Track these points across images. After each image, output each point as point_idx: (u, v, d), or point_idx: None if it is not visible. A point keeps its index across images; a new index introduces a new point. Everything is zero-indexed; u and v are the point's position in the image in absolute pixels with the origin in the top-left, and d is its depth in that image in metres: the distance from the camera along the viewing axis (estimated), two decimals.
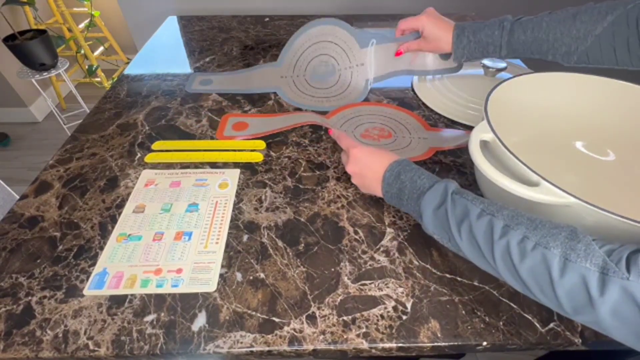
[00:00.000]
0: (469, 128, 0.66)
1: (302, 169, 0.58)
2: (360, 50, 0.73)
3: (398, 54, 0.70)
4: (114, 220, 0.50)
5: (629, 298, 0.25)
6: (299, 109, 0.72)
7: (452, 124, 0.68)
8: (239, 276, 0.43)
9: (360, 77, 0.75)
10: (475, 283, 0.43)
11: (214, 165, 0.59)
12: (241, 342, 0.38)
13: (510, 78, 0.52)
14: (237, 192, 0.54)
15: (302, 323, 0.39)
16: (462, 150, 0.61)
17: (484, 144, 0.45)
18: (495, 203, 0.36)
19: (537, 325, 0.39)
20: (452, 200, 0.37)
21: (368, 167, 0.47)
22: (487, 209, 0.35)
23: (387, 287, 0.42)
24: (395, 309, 0.40)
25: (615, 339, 0.28)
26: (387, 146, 0.63)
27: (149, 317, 0.40)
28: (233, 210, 0.51)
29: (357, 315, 0.40)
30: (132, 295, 0.41)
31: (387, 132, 0.65)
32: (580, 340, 0.38)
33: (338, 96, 0.73)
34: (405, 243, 0.47)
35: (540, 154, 0.53)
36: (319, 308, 0.40)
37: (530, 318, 0.40)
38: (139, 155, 0.61)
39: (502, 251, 0.32)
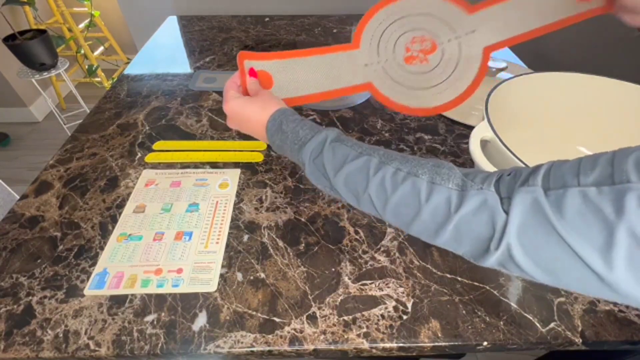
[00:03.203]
0: (470, 128, 0.66)
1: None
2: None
3: None
4: (114, 220, 0.50)
5: (481, 203, 0.28)
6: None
7: (452, 124, 0.68)
8: (239, 276, 0.43)
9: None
10: (476, 283, 0.43)
11: (214, 165, 0.59)
12: (242, 342, 0.38)
13: (510, 78, 0.52)
14: (237, 192, 0.54)
15: (303, 323, 0.39)
16: (462, 150, 0.61)
17: (485, 144, 0.45)
18: (372, 146, 0.37)
19: (538, 325, 0.39)
20: (330, 148, 0.38)
21: (247, 120, 0.44)
22: (364, 151, 0.36)
23: (388, 287, 0.42)
24: (395, 308, 0.40)
25: (459, 253, 0.31)
26: (436, 69, 0.51)
27: (150, 317, 0.40)
28: (233, 210, 0.51)
29: (358, 315, 0.40)
30: (132, 295, 0.41)
31: (430, 44, 0.52)
32: (580, 340, 0.38)
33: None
34: (406, 243, 0.47)
35: (541, 154, 0.53)
36: (319, 308, 0.40)
37: (530, 318, 0.40)
38: (139, 155, 0.61)
39: (377, 185, 0.34)
